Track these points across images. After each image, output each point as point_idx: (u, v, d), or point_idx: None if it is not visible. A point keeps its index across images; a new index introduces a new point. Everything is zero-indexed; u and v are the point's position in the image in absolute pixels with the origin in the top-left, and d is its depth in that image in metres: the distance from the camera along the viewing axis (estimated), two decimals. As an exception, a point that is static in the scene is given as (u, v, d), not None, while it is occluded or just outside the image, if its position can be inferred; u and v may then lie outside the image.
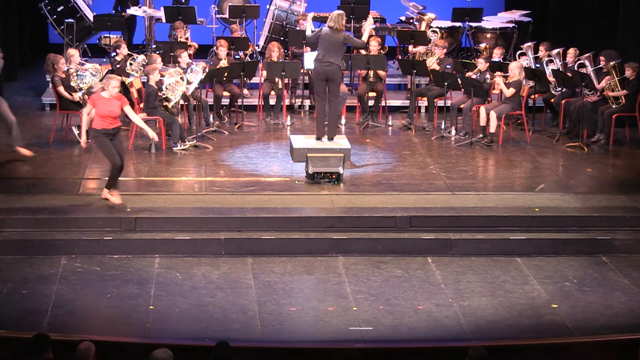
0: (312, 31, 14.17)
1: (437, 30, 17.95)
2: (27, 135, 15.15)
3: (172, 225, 11.90)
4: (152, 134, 12.87)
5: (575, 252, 11.96)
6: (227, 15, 18.70)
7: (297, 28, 17.61)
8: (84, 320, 10.10)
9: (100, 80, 14.79)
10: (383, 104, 16.52)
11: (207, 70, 15.34)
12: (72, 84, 14.78)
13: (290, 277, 11.19)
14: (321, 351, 9.45)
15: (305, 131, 15.49)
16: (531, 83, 15.94)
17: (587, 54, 15.77)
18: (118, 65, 15.64)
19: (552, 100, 16.12)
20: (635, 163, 14.56)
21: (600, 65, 15.53)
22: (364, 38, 14.52)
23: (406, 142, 15.48)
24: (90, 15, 18.32)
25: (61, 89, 14.67)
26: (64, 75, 14.76)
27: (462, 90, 15.84)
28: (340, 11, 13.84)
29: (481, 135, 15.26)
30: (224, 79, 15.98)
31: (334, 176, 13.13)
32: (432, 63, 16.35)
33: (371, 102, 16.54)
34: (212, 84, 16.03)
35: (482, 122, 15.20)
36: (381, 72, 16.39)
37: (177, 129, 14.50)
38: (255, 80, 17.14)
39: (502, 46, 17.63)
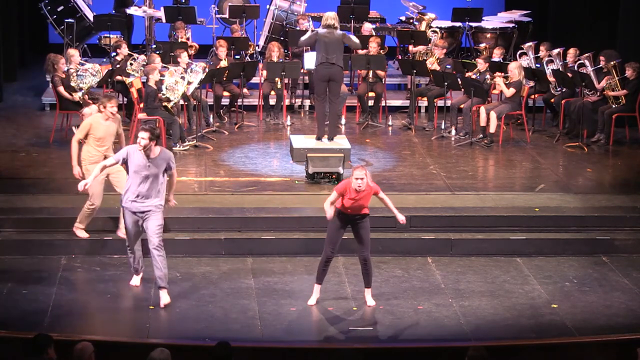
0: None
1: (437, 30, 17.95)
2: (27, 135, 15.19)
3: (172, 225, 11.90)
4: None
5: (575, 252, 11.97)
6: (227, 15, 18.70)
7: (297, 28, 17.61)
8: (84, 320, 10.09)
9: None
10: (383, 104, 16.51)
11: (207, 70, 15.33)
12: (72, 84, 14.78)
13: (290, 277, 11.19)
14: (321, 351, 9.46)
15: (305, 131, 15.50)
16: (531, 83, 15.94)
17: (587, 54, 15.77)
18: (118, 65, 15.63)
19: (552, 100, 16.12)
20: (635, 163, 14.56)
21: (600, 65, 15.53)
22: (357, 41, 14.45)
23: (406, 142, 15.48)
24: (90, 15, 18.32)
25: (61, 89, 14.67)
26: (63, 75, 14.76)
27: (462, 90, 15.84)
28: (332, 12, 13.90)
29: (481, 135, 15.26)
30: (224, 79, 15.99)
31: (334, 176, 13.14)
32: (432, 64, 16.33)
33: (371, 102, 16.54)
34: (212, 84, 16.03)
35: (482, 122, 15.20)
36: (381, 72, 16.39)
37: (177, 129, 14.50)
38: (255, 80, 17.14)
39: (502, 46, 17.63)
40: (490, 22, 18.92)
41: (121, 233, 11.29)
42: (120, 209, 10.62)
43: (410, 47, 17.80)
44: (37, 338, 7.83)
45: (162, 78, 14.59)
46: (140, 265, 10.78)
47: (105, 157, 11.21)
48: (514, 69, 15.29)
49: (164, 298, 10.33)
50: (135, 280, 10.83)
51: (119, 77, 15.40)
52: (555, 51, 16.21)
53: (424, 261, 11.69)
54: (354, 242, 11.50)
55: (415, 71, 16.31)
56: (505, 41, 18.48)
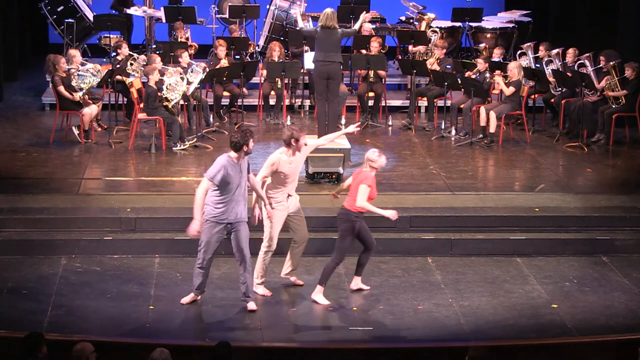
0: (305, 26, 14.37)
1: (437, 30, 17.95)
2: (27, 135, 15.19)
3: (172, 225, 11.88)
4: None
5: (575, 252, 11.97)
6: (227, 15, 18.71)
7: (297, 28, 17.60)
8: (84, 320, 10.09)
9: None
10: (383, 104, 16.52)
11: (207, 70, 15.33)
12: (73, 83, 14.78)
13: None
14: (321, 351, 9.45)
15: (305, 131, 15.44)
16: (531, 83, 15.95)
17: (587, 54, 15.78)
18: (118, 65, 15.63)
19: (552, 100, 16.12)
20: (635, 163, 14.56)
21: (600, 65, 15.53)
22: (356, 27, 14.45)
23: (406, 142, 15.48)
24: (90, 15, 18.33)
25: (61, 88, 14.67)
26: (64, 75, 14.76)
27: (462, 90, 15.84)
28: (331, 9, 13.87)
29: (481, 135, 15.26)
30: (224, 79, 15.99)
31: (334, 176, 13.14)
32: (432, 64, 16.33)
33: (371, 102, 16.54)
34: (212, 84, 16.03)
35: (482, 122, 15.20)
36: (381, 72, 16.39)
37: (177, 129, 14.50)
38: (255, 80, 17.14)
39: (502, 46, 17.63)
40: (490, 22, 18.93)
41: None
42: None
43: (410, 47, 17.80)
44: (31, 337, 7.86)
45: (162, 78, 14.59)
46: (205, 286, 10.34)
47: (290, 196, 10.48)
48: (514, 69, 15.29)
49: (252, 305, 10.23)
50: (186, 299, 10.36)
51: (119, 77, 15.39)
52: (555, 51, 16.21)
53: (424, 261, 11.69)
54: (353, 242, 11.52)
55: (415, 71, 16.31)
56: (505, 41, 18.49)
